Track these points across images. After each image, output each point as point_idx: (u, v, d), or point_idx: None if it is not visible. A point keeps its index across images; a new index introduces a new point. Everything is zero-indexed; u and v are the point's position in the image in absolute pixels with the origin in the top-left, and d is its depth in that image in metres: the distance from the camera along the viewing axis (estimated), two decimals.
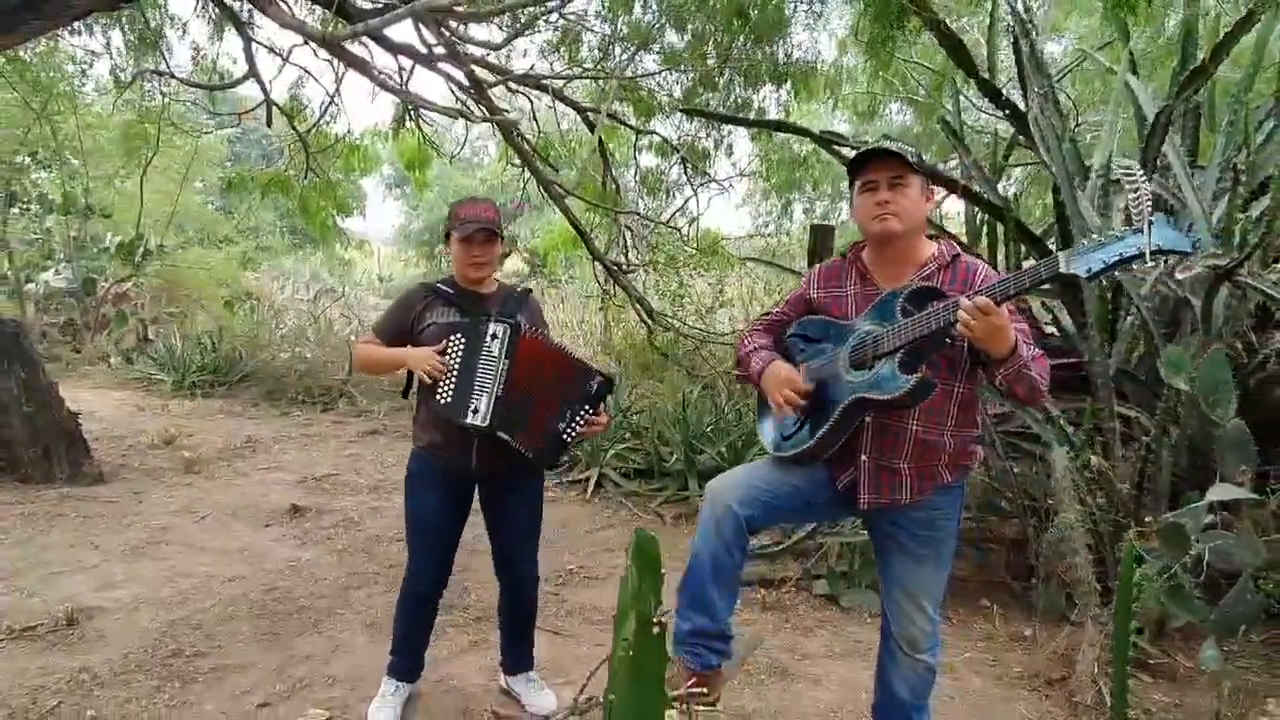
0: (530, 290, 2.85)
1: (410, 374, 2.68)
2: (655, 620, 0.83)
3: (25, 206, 11.90)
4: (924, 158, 2.16)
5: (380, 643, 2.96)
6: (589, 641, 3.40)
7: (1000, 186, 6.39)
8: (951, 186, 4.40)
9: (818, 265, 2.44)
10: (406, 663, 2.86)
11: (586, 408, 2.60)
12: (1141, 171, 1.78)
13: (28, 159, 11.30)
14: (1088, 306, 3.88)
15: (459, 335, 2.52)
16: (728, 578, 2.19)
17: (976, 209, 4.60)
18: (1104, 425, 3.74)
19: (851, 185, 2.18)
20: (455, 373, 2.50)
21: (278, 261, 16.19)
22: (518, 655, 2.95)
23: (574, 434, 2.61)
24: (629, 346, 8.24)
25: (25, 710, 2.76)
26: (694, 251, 7.41)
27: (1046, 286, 4.52)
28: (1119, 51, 4.63)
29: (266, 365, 8.97)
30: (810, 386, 2.17)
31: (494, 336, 2.51)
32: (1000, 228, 4.41)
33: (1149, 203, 1.73)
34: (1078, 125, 5.93)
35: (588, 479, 5.60)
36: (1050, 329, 4.52)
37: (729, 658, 2.23)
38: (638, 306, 6.52)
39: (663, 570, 0.87)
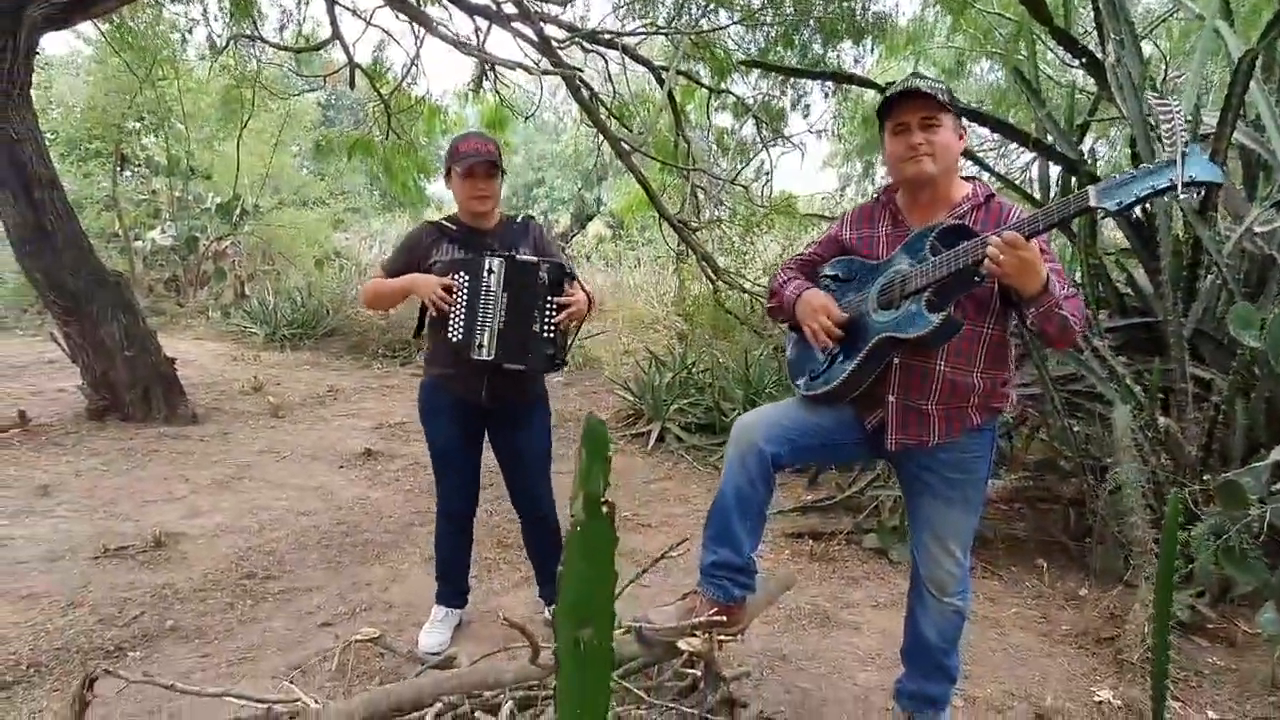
0: (531, 217, 2.90)
1: (421, 314, 2.77)
2: (603, 500, 0.89)
3: (136, 168, 12.62)
4: (953, 94, 2.10)
5: (435, 576, 3.11)
6: (635, 582, 3.48)
7: (1089, 143, 6.14)
8: (1022, 139, 4.26)
9: (852, 207, 2.42)
10: (450, 588, 3.01)
11: (549, 297, 2.59)
12: (1178, 104, 1.71)
13: (137, 124, 11.94)
14: (1163, 264, 3.73)
15: (462, 273, 2.60)
16: (753, 513, 2.21)
17: (1050, 163, 4.44)
18: (1175, 386, 3.60)
19: (881, 128, 2.15)
20: (463, 308, 2.58)
21: (366, 223, 16.71)
22: (553, 584, 3.06)
23: (551, 327, 2.60)
24: (699, 309, 8.25)
25: (113, 618, 3.01)
26: (764, 209, 7.35)
27: (1125, 244, 4.35)
28: None
29: (351, 321, 9.34)
30: (845, 315, 2.16)
31: (490, 271, 2.58)
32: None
33: (1183, 134, 1.68)
34: (1168, 78, 5.61)
35: (649, 432, 5.69)
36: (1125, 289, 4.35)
37: (752, 591, 2.27)
38: (704, 264, 6.52)
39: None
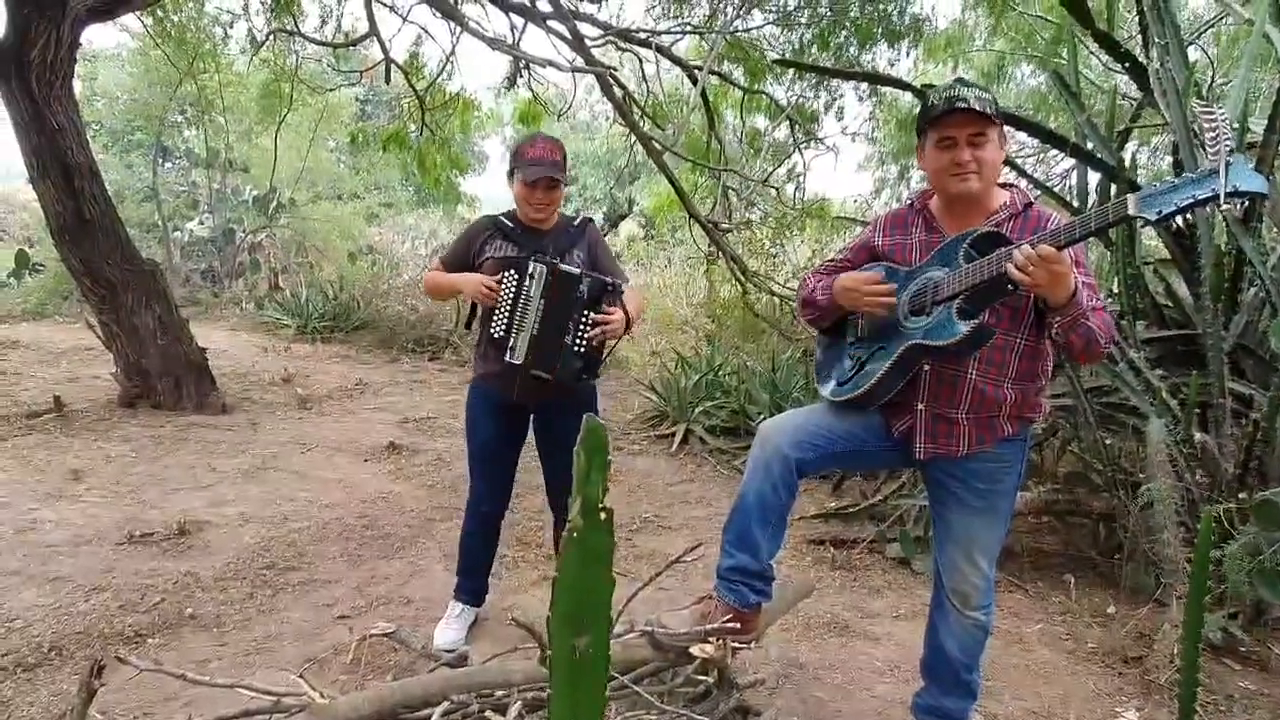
0: (590, 219, 2.88)
1: (472, 306, 2.78)
2: (600, 506, 0.86)
3: (176, 160, 12.83)
4: (998, 102, 2.04)
5: (455, 571, 3.11)
6: (654, 584, 3.46)
7: (1130, 150, 6.00)
8: (1062, 145, 4.17)
9: (885, 212, 2.37)
10: (470, 584, 3.01)
11: (585, 312, 2.57)
12: (1222, 110, 1.65)
13: (179, 116, 12.14)
14: (1204, 275, 3.63)
15: (511, 271, 2.60)
16: (774, 518, 2.18)
17: (1090, 169, 4.34)
18: (1213, 400, 3.50)
19: (921, 132, 2.10)
20: (508, 306, 2.59)
21: (400, 218, 16.84)
22: None
23: (583, 342, 2.57)
24: (727, 311, 8.20)
25: (134, 604, 3.04)
26: (794, 212, 7.29)
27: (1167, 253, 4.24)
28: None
29: (381, 315, 9.41)
30: (883, 276, 2.11)
31: (532, 277, 2.58)
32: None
33: (1227, 143, 1.61)
34: (1215, 84, 5.47)
35: (674, 434, 5.65)
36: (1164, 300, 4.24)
37: (769, 598, 2.24)
38: (733, 265, 6.48)
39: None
